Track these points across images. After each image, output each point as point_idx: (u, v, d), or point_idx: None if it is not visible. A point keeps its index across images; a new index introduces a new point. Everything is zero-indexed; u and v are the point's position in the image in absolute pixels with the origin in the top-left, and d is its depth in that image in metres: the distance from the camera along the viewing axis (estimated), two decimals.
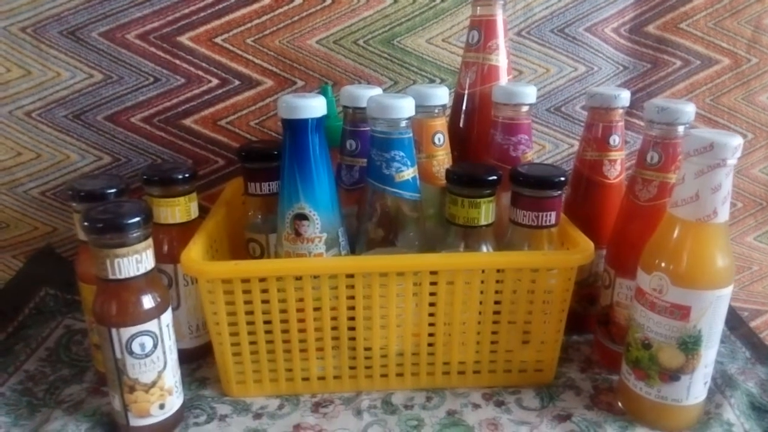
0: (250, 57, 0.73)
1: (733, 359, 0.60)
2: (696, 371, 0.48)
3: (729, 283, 0.46)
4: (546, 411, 0.53)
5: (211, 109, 0.75)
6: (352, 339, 0.53)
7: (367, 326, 0.52)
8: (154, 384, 0.47)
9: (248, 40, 0.73)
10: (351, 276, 0.50)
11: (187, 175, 0.55)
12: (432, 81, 0.76)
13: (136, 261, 0.45)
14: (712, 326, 0.46)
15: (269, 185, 0.58)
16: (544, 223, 0.52)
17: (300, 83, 0.75)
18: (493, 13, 0.59)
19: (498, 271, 0.51)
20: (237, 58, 0.73)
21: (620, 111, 0.58)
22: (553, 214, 0.53)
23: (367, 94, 0.52)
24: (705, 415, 0.52)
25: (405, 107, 0.48)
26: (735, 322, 0.66)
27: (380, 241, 0.52)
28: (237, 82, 0.74)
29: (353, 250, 0.54)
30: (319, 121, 0.49)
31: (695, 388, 0.48)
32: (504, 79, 0.61)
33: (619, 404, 0.53)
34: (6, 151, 0.73)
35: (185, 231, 0.55)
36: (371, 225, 0.52)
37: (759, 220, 0.85)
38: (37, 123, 0.73)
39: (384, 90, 0.72)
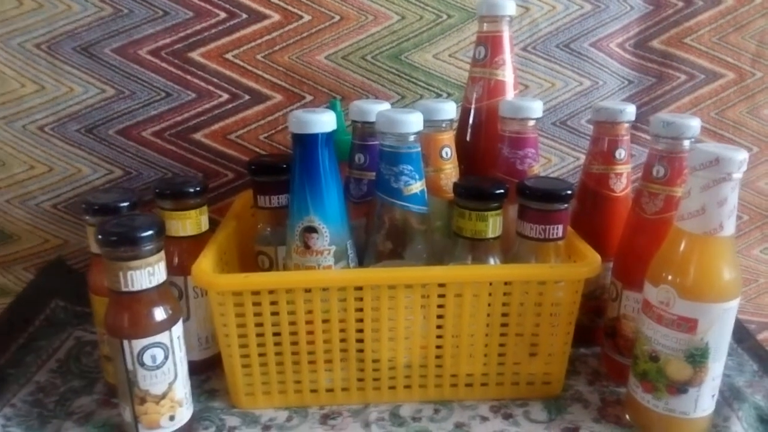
0: (260, 72, 0.74)
1: (741, 372, 0.60)
2: (703, 384, 0.48)
3: (736, 296, 0.46)
4: (554, 424, 0.53)
5: (222, 123, 0.76)
6: (361, 351, 0.53)
7: (376, 338, 0.53)
8: (164, 395, 0.48)
9: (258, 56, 0.74)
10: (359, 288, 0.50)
11: (198, 189, 0.56)
12: (439, 95, 0.77)
13: (149, 273, 0.46)
14: (719, 339, 0.47)
15: (278, 198, 0.58)
16: (551, 236, 0.53)
17: (309, 98, 0.76)
18: (500, 29, 0.60)
19: (505, 283, 0.52)
20: (247, 74, 0.74)
21: (626, 125, 0.58)
22: (560, 227, 0.53)
23: (375, 109, 0.53)
24: (713, 428, 0.51)
25: (413, 122, 0.49)
26: (742, 335, 0.66)
27: (388, 253, 0.52)
28: (247, 97, 0.75)
29: (362, 263, 0.54)
30: (329, 136, 0.50)
31: (703, 401, 0.48)
32: (510, 93, 0.61)
33: (627, 417, 0.53)
34: (19, 165, 0.74)
35: (196, 243, 0.55)
36: (380, 237, 0.52)
37: (766, 233, 0.85)
38: (49, 137, 0.74)
39: (392, 104, 0.73)
